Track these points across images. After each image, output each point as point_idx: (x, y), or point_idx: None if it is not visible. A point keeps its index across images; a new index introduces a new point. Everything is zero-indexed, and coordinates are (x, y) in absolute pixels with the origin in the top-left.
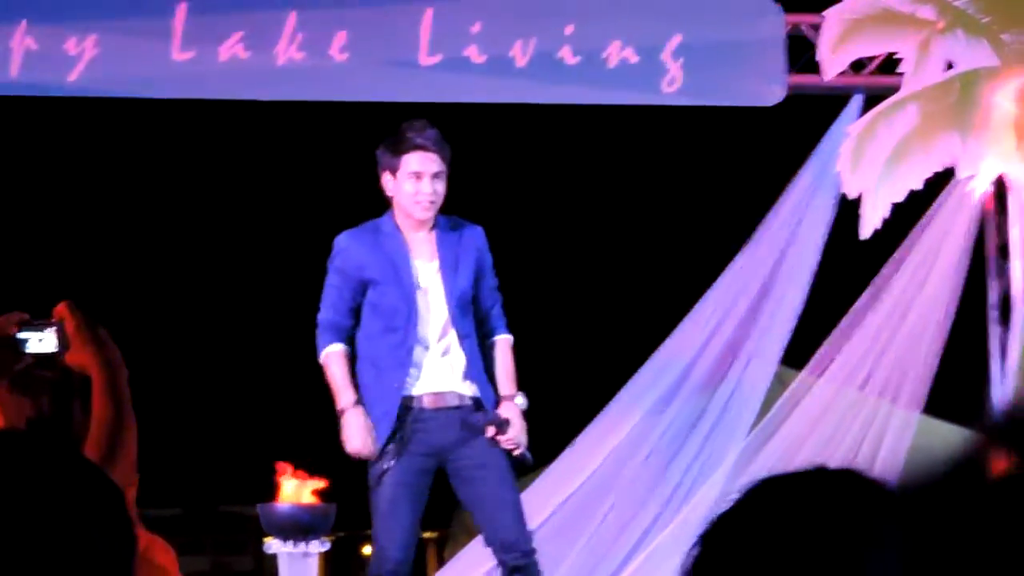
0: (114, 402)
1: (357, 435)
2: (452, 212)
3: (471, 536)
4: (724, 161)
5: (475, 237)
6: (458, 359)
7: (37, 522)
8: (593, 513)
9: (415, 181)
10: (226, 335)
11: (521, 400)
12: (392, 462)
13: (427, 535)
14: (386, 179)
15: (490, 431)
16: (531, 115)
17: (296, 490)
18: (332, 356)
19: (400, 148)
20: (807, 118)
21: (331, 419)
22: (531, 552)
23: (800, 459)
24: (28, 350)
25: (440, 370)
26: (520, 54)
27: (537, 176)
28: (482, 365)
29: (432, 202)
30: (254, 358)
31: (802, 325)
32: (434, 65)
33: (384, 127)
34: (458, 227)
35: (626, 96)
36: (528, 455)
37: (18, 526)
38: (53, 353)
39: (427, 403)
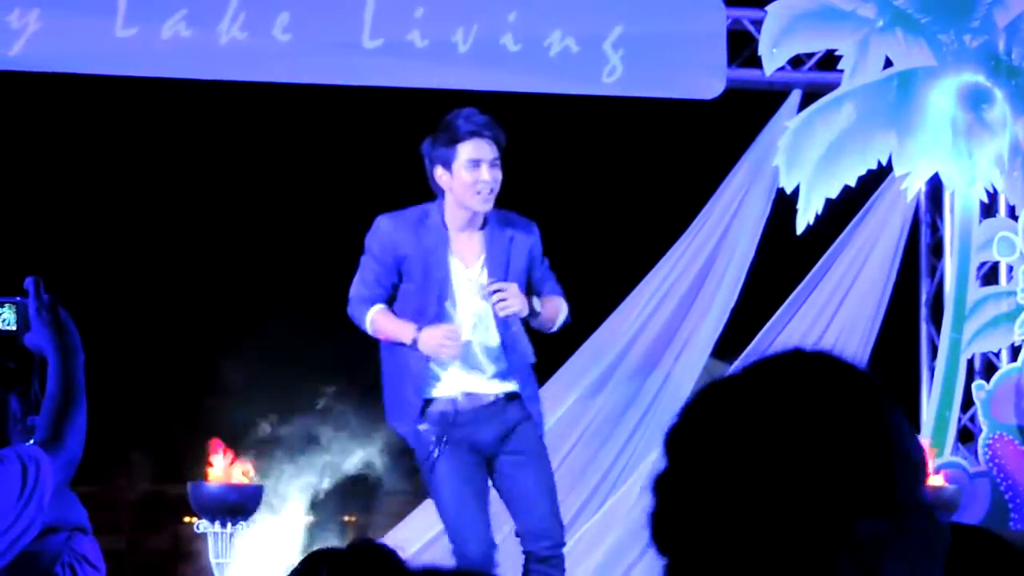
0: (65, 385)
1: (437, 332)
2: (386, 197)
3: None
4: (663, 153)
5: (529, 235)
6: (497, 363)
7: None
8: None
9: (473, 169)
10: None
11: (536, 302)
12: (441, 458)
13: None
14: (439, 174)
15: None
16: (471, 101)
17: (226, 470)
18: (378, 314)
19: (454, 137)
20: (746, 113)
21: (257, 402)
22: (562, 544)
23: None
24: None
25: (472, 372)
26: (462, 40)
27: None
28: (529, 362)
29: (492, 191)
30: (175, 335)
31: (735, 318)
32: (376, 48)
33: (325, 109)
34: (510, 224)
35: (566, 85)
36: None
37: None
38: (12, 331)
39: (462, 404)
